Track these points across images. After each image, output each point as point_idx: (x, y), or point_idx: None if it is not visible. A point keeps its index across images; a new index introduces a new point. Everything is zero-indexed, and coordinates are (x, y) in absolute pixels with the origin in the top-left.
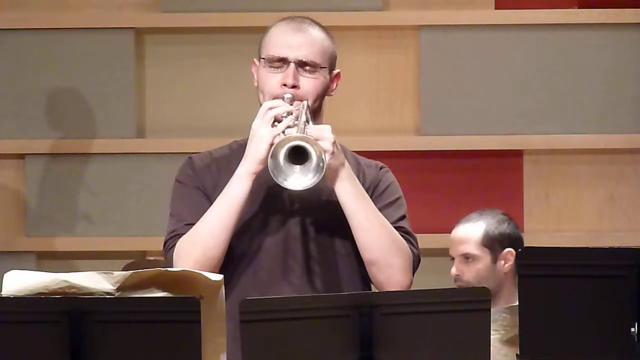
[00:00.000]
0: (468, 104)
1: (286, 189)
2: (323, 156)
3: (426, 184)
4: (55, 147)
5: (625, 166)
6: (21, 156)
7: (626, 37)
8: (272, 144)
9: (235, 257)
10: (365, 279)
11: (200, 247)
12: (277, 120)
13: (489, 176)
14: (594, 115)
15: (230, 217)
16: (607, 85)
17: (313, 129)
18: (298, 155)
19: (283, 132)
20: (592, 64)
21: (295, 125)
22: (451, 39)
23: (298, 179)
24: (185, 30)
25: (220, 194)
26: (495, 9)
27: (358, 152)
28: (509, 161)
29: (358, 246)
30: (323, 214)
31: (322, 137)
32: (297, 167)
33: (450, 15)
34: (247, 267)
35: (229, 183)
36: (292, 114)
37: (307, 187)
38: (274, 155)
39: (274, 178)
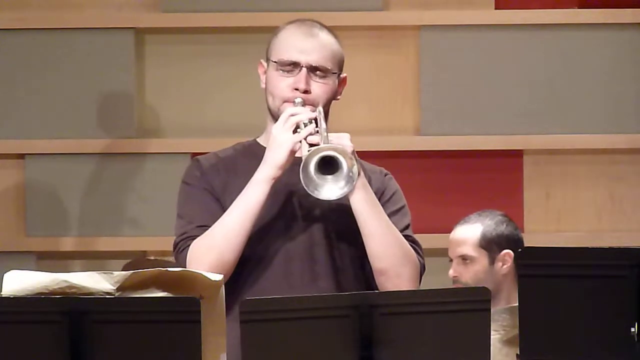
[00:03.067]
0: (468, 104)
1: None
2: (354, 166)
3: (426, 184)
4: (56, 147)
5: (625, 166)
6: (21, 156)
7: (626, 37)
8: (292, 151)
9: (248, 262)
10: (370, 287)
11: (215, 251)
12: (297, 127)
13: (489, 176)
14: (594, 115)
15: (247, 222)
16: (607, 85)
17: (334, 137)
18: (326, 164)
19: (305, 139)
20: (592, 64)
21: (316, 132)
22: (451, 39)
23: (331, 189)
24: (186, 30)
25: (237, 198)
26: (495, 9)
27: (358, 153)
28: (509, 161)
29: (368, 254)
30: (335, 220)
31: (342, 145)
32: (329, 177)
33: (450, 15)
34: (264, 273)
35: (246, 187)
36: (312, 121)
37: (339, 197)
38: (305, 167)
39: (306, 189)
